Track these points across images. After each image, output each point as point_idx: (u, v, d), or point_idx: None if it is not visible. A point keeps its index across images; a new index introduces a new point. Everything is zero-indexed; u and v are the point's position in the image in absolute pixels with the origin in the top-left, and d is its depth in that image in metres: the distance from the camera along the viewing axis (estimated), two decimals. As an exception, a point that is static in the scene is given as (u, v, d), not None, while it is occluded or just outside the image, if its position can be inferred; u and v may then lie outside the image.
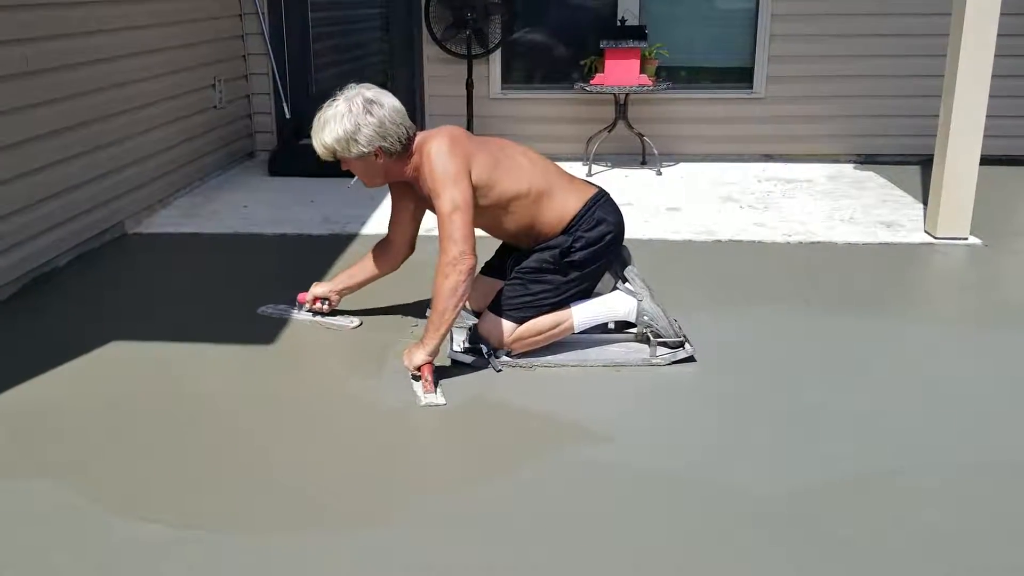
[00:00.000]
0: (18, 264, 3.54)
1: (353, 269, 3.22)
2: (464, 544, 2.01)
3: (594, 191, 2.97)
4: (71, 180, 3.90)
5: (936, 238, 4.21)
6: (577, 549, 1.99)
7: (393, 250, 3.12)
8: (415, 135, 2.81)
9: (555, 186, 2.88)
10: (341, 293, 3.20)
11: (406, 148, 2.77)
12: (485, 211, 2.81)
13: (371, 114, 2.70)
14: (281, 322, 3.23)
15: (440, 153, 2.72)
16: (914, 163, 5.70)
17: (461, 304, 2.70)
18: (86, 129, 4.02)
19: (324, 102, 2.78)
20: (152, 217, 4.61)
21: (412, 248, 3.15)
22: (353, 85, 2.78)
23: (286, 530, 2.06)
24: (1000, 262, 3.98)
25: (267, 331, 3.15)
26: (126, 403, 2.66)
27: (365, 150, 2.72)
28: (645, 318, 2.93)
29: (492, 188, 2.79)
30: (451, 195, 2.67)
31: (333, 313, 3.23)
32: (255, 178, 5.51)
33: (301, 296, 3.25)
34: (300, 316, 3.24)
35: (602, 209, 2.92)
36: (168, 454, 2.38)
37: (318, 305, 3.21)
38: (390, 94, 2.79)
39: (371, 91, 2.76)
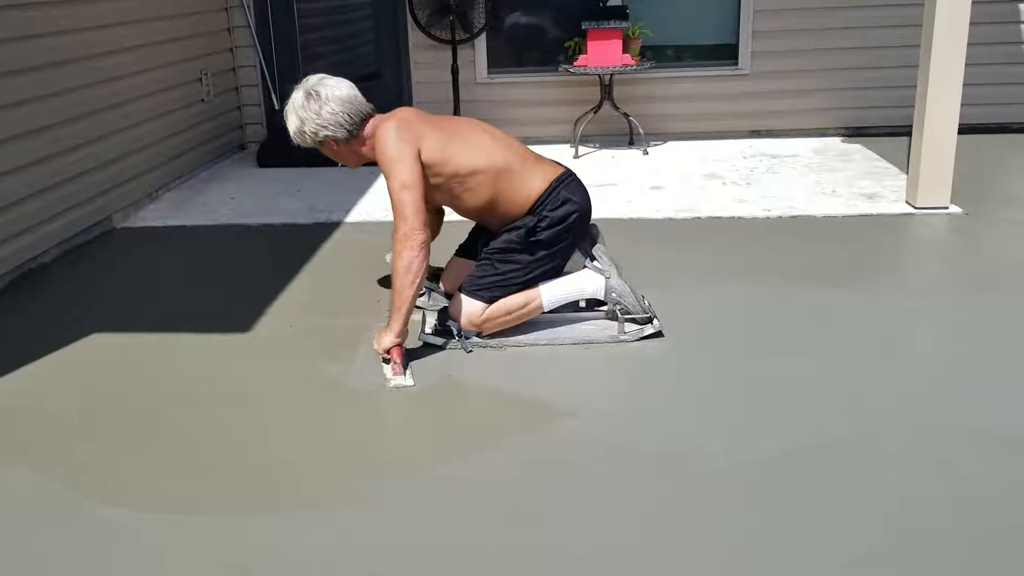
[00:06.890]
0: (5, 260, 3.61)
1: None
2: (433, 523, 2.05)
3: (560, 171, 3.00)
4: (59, 176, 3.96)
5: (916, 208, 4.21)
6: (544, 525, 2.03)
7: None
8: (369, 119, 2.88)
9: (519, 165, 2.91)
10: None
11: (353, 134, 2.86)
12: (441, 187, 2.89)
13: (309, 108, 2.83)
14: (259, 310, 3.28)
15: (386, 135, 2.82)
16: (902, 134, 5.67)
17: (418, 280, 2.73)
18: (74, 125, 4.08)
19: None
20: (140, 211, 4.67)
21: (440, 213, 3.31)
22: (312, 76, 2.93)
23: (257, 511, 2.11)
24: (979, 231, 3.98)
25: (245, 319, 3.20)
26: (106, 392, 2.72)
27: (318, 139, 2.87)
28: (613, 295, 2.97)
29: (447, 164, 2.85)
30: (398, 174, 2.76)
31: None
32: (244, 170, 5.56)
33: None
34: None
35: (567, 189, 2.95)
36: (144, 440, 2.44)
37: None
38: (336, 81, 2.88)
39: (314, 82, 2.88)
